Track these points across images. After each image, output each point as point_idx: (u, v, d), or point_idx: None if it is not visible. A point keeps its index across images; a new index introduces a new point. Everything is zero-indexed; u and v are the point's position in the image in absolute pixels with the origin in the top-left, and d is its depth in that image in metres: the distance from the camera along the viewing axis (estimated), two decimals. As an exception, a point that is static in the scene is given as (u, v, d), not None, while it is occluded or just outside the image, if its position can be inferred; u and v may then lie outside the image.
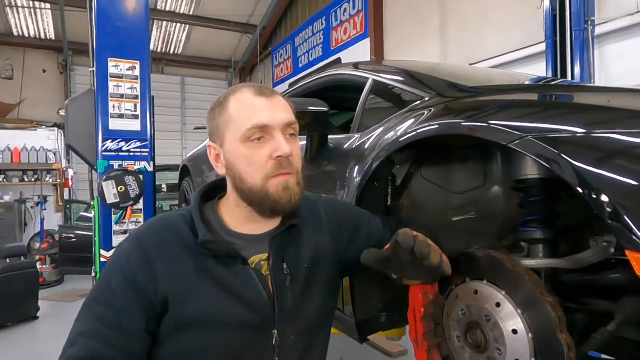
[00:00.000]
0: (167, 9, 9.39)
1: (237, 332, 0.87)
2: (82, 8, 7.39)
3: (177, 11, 9.62)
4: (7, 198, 7.19)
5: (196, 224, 0.90)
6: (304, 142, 1.77)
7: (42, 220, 7.08)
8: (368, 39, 6.92)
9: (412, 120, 1.26)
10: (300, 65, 9.17)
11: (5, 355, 3.70)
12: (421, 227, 1.10)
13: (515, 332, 0.91)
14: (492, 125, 0.93)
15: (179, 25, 10.26)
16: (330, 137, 1.71)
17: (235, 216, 0.95)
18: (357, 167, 1.42)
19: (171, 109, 10.90)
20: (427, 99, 1.42)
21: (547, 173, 1.02)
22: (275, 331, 0.90)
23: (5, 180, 7.29)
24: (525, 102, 1.21)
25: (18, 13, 8.61)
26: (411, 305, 1.18)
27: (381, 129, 1.43)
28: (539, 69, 4.24)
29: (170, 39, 10.74)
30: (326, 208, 1.09)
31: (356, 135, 1.59)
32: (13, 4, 8.25)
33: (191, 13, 9.71)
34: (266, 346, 0.90)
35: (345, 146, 1.61)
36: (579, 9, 3.87)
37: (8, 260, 4.81)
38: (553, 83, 1.97)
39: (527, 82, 1.81)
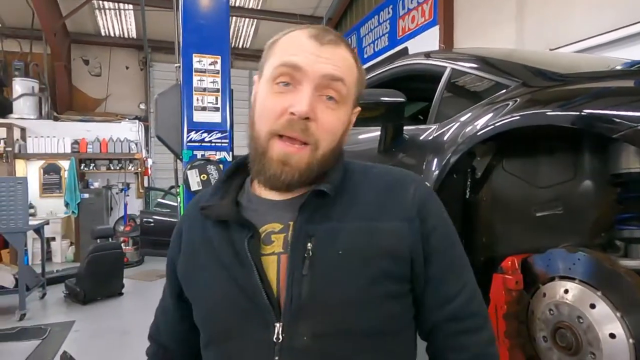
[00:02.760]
0: (237, 4, 9.72)
1: (226, 310, 0.75)
2: (161, 8, 7.91)
3: (246, 6, 9.92)
4: (96, 184, 7.97)
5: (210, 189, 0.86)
6: (377, 133, 1.76)
7: (126, 205, 7.73)
8: (437, 27, 6.67)
9: (496, 111, 1.21)
10: (366, 56, 9.07)
11: (96, 326, 4.13)
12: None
13: (613, 336, 0.86)
14: (593, 115, 0.87)
15: (247, 20, 10.58)
16: (405, 128, 1.69)
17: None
18: (435, 160, 1.39)
19: (239, 102, 11.30)
20: (511, 87, 1.35)
21: (653, 167, 0.94)
22: (279, 325, 0.69)
23: (94, 168, 8.04)
24: (624, 89, 1.11)
25: (105, 15, 9.36)
26: (492, 301, 1.15)
27: (462, 120, 1.38)
28: (636, 53, 3.84)
29: (239, 34, 11.09)
30: (421, 194, 0.78)
31: (433, 126, 1.56)
32: (101, 7, 8.99)
33: (259, 7, 9.97)
34: (263, 340, 0.70)
35: (421, 137, 1.58)
36: (684, -17, 3.45)
37: (98, 240, 5.31)
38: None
39: (618, 67, 1.66)
